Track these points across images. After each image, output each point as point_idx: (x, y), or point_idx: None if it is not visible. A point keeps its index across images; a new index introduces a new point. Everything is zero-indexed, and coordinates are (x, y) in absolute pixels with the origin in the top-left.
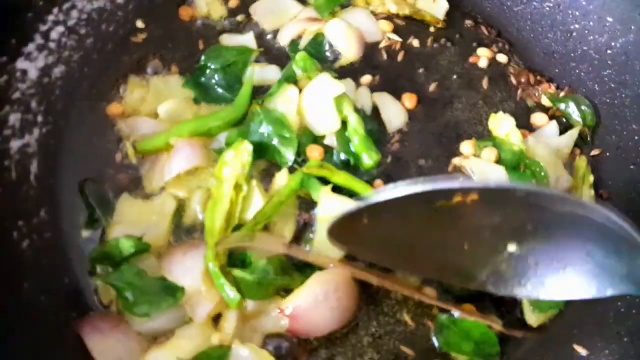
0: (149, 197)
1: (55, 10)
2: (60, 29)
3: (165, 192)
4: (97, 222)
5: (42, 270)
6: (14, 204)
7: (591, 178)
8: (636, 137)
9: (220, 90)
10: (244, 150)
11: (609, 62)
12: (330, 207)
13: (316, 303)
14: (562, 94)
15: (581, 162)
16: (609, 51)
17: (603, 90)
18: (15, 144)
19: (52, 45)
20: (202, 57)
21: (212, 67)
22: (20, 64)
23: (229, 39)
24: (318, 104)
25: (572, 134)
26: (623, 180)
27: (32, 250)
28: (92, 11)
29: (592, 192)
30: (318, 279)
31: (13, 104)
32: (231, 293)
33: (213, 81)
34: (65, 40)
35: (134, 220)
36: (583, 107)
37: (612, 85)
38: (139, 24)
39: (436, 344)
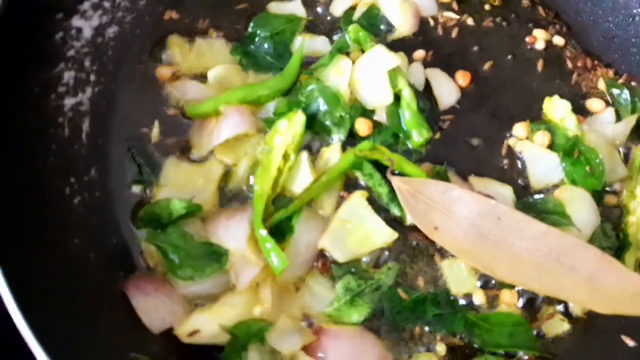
0: (196, 161)
1: None
2: None
3: (212, 157)
4: (145, 181)
5: (91, 228)
6: (67, 160)
7: None
8: None
9: (269, 58)
10: (297, 121)
11: None
12: (355, 213)
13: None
14: (620, 80)
15: (638, 151)
16: None
17: None
18: (69, 102)
19: (106, 4)
20: (251, 25)
21: (261, 34)
22: (76, 21)
23: (276, 7)
24: (371, 77)
25: (629, 122)
26: None
27: (83, 207)
28: None
29: None
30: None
31: (67, 62)
32: (276, 259)
33: (262, 49)
34: (120, 0)
35: (180, 183)
36: (636, 99)
37: None
38: None
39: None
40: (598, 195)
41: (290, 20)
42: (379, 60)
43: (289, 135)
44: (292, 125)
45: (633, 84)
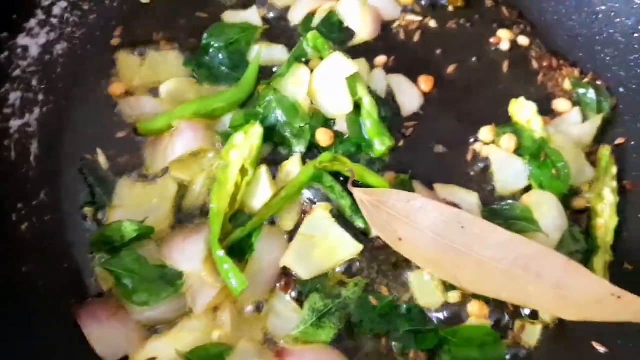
0: (150, 180)
1: None
2: (63, 4)
3: (167, 174)
4: (97, 203)
5: (41, 254)
6: (14, 185)
7: (614, 169)
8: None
9: (224, 69)
10: (254, 134)
11: (635, 46)
12: (319, 227)
13: None
14: (585, 79)
15: (605, 151)
16: (636, 35)
17: (629, 76)
18: (15, 123)
19: (54, 21)
20: (204, 35)
21: (215, 45)
22: (22, 40)
23: (231, 16)
24: (330, 85)
25: (595, 122)
26: None
27: (32, 233)
28: None
29: (615, 183)
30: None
31: (14, 82)
32: (234, 280)
33: (217, 60)
34: (68, 16)
35: (134, 203)
36: (602, 98)
37: (639, 71)
38: None
39: None
40: (566, 199)
41: (246, 29)
42: (337, 67)
43: (245, 148)
44: (249, 138)
45: (598, 82)
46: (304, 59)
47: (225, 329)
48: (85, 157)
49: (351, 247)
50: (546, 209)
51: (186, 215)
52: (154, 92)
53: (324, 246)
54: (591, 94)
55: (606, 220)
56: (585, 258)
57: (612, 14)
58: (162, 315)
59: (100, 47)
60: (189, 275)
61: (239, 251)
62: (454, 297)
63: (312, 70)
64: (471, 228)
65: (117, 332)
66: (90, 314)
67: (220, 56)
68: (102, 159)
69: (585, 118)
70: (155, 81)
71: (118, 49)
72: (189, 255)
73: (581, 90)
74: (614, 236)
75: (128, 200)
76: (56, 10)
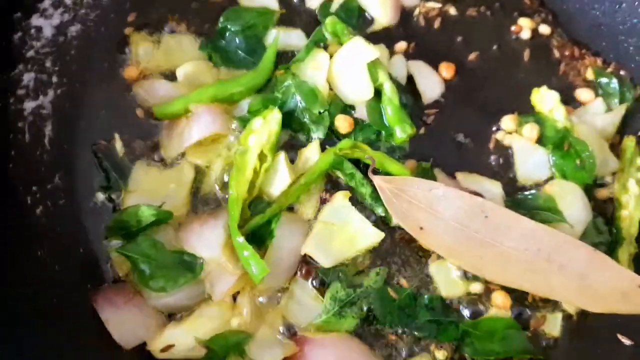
0: (166, 164)
1: None
2: None
3: (183, 159)
4: (112, 188)
5: (56, 239)
6: (28, 168)
7: (639, 160)
8: None
9: (241, 53)
10: (272, 119)
11: None
12: (339, 215)
13: None
14: (608, 69)
15: (629, 142)
16: None
17: None
18: (29, 105)
19: (68, 2)
20: (221, 19)
21: (232, 29)
22: (35, 20)
23: (249, 0)
24: (350, 71)
25: (619, 112)
26: None
27: (47, 217)
28: None
29: None
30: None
31: (27, 63)
32: (255, 267)
33: (234, 44)
34: None
35: (150, 189)
36: (625, 88)
37: None
38: None
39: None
40: (589, 190)
41: (263, 13)
42: (358, 52)
43: (264, 134)
44: (268, 124)
45: (622, 72)
46: (322, 44)
47: (245, 316)
48: (100, 142)
49: (372, 236)
50: (570, 200)
51: (204, 201)
52: (169, 76)
53: (345, 234)
54: (614, 83)
55: (631, 211)
56: (609, 250)
57: (636, 3)
58: (180, 302)
59: (115, 29)
60: (207, 261)
61: (259, 238)
62: (476, 288)
63: (331, 56)
64: (495, 217)
65: (134, 318)
66: (107, 300)
67: (237, 40)
68: (118, 144)
69: (608, 108)
70: (170, 65)
71: (132, 32)
72: (207, 241)
73: (604, 80)
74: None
75: (144, 185)
76: None
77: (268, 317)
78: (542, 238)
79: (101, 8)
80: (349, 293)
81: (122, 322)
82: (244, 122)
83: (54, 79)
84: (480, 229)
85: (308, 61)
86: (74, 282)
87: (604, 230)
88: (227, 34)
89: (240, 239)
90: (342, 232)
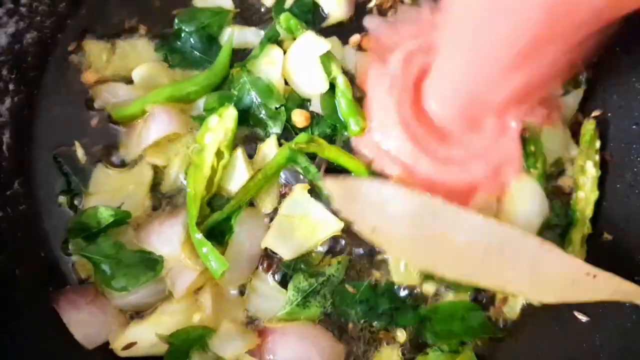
0: (125, 166)
1: None
2: None
3: (142, 160)
4: (73, 191)
5: (17, 243)
6: None
7: (598, 143)
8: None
9: (197, 53)
10: (228, 116)
11: None
12: (299, 207)
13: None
14: None
15: (589, 125)
16: None
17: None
18: None
19: (23, 10)
20: (175, 21)
21: (187, 30)
22: None
23: (203, 1)
24: (304, 65)
25: (577, 94)
26: (624, 141)
27: (7, 222)
28: None
29: (597, 157)
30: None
31: None
32: (214, 262)
33: (189, 45)
34: (37, 4)
35: (110, 190)
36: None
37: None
38: None
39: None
40: (549, 177)
41: (217, 13)
42: (310, 46)
43: (220, 131)
44: (224, 121)
45: None
46: (276, 40)
47: (206, 311)
48: (61, 147)
49: (333, 225)
50: (528, 195)
51: (163, 200)
52: (127, 80)
53: (305, 225)
54: None
55: (587, 193)
56: (565, 231)
57: None
58: (142, 300)
59: (71, 35)
60: (167, 259)
61: (219, 234)
62: (428, 289)
63: (285, 51)
64: (444, 214)
65: (96, 319)
66: (69, 301)
67: (192, 41)
68: (79, 151)
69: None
70: (127, 68)
71: (88, 37)
72: (166, 239)
73: None
74: (594, 209)
75: (104, 187)
76: None
77: (230, 311)
78: (492, 232)
79: (57, 15)
80: (312, 283)
81: (84, 323)
82: (201, 120)
83: (11, 86)
84: (430, 227)
85: (262, 57)
86: (36, 286)
87: (560, 213)
88: (182, 35)
89: (199, 236)
90: (302, 224)
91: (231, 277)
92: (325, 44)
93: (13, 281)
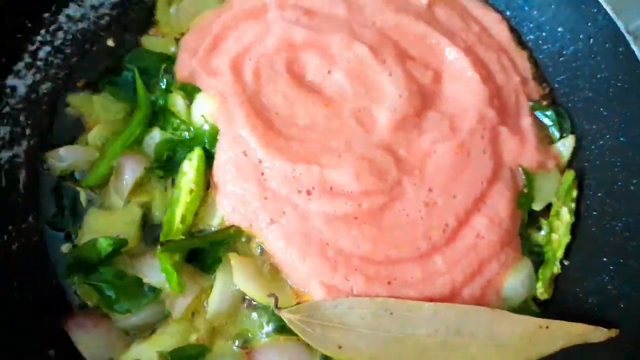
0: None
1: (43, 31)
2: (47, 48)
3: (130, 202)
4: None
5: (30, 272)
6: (4, 210)
7: (575, 192)
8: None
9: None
10: (195, 158)
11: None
12: None
13: None
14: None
15: (569, 175)
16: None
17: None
18: (5, 155)
19: (39, 63)
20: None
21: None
22: (10, 81)
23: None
24: None
25: (570, 142)
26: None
27: (22, 252)
28: (76, 32)
29: (574, 205)
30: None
31: (3, 118)
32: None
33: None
34: (52, 59)
35: (102, 230)
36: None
37: (566, 90)
38: (110, 42)
39: None
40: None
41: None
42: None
43: (192, 172)
44: (193, 163)
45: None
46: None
47: (202, 331)
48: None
49: None
50: (518, 271)
51: (153, 231)
52: None
53: None
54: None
55: (560, 236)
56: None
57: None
58: (143, 321)
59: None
60: (160, 286)
61: (208, 266)
62: None
63: None
64: (399, 311)
65: (102, 339)
66: (77, 323)
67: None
68: (82, 196)
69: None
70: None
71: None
72: (156, 271)
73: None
74: (564, 252)
75: (96, 228)
76: (41, 54)
77: (224, 332)
78: (446, 316)
79: (69, 67)
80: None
81: (92, 342)
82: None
83: (27, 131)
84: (390, 327)
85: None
86: (47, 309)
87: (536, 251)
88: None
89: (166, 266)
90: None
91: (222, 307)
92: None
93: (26, 305)
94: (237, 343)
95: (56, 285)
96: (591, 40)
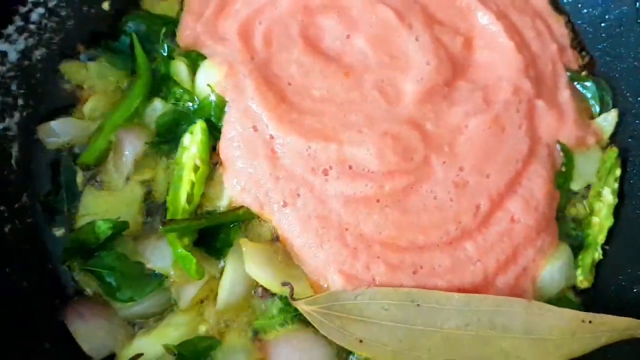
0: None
1: None
2: (41, 10)
3: (131, 181)
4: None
5: (24, 256)
6: None
7: (618, 171)
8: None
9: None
10: (197, 131)
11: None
12: None
13: None
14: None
15: (612, 152)
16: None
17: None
18: None
19: (32, 27)
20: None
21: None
22: (0, 45)
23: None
24: None
25: (612, 117)
26: None
27: (15, 235)
28: None
29: (617, 185)
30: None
31: None
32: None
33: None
34: (46, 22)
35: (101, 212)
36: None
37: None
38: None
39: None
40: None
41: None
42: None
43: (194, 147)
44: (195, 136)
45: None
46: None
47: (210, 323)
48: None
49: None
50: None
51: (156, 210)
52: None
53: None
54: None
55: (602, 219)
56: (575, 253)
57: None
58: (148, 310)
59: (78, 53)
60: (166, 272)
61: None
62: None
63: None
64: (426, 303)
65: (102, 330)
66: (75, 313)
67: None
68: (79, 177)
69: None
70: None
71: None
72: (160, 254)
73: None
74: (607, 237)
75: (94, 209)
76: (34, 16)
77: (235, 323)
78: (478, 307)
79: (64, 32)
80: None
81: (91, 333)
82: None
83: (20, 101)
84: (416, 320)
85: None
86: (43, 298)
87: (572, 235)
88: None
89: (179, 250)
90: None
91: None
92: None
93: (20, 293)
94: (249, 335)
95: (52, 272)
96: (637, 3)
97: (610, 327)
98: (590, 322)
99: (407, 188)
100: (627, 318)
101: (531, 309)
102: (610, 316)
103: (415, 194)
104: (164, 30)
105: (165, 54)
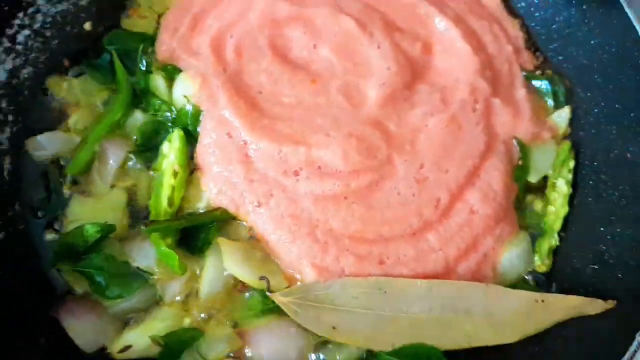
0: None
1: (21, 14)
2: (27, 32)
3: (115, 187)
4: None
5: (17, 260)
6: None
7: (572, 163)
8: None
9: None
10: (175, 139)
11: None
12: None
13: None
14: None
15: (565, 146)
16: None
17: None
18: None
19: (19, 47)
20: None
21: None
22: None
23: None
24: None
25: (565, 113)
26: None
27: (9, 240)
28: (56, 14)
29: (571, 176)
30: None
31: None
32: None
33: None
34: (32, 42)
35: (88, 217)
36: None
37: (560, 58)
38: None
39: None
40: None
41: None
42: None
43: (172, 154)
44: (173, 144)
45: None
46: None
47: (194, 316)
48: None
49: None
50: (515, 245)
51: (140, 214)
52: None
53: None
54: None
55: (557, 208)
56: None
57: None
58: (135, 305)
59: (63, 70)
60: (151, 270)
61: (198, 249)
62: None
63: None
64: (392, 290)
65: (93, 325)
66: (68, 310)
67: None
68: (66, 186)
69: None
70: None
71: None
72: (144, 254)
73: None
74: (562, 224)
75: (81, 216)
76: (20, 37)
77: (217, 315)
78: (440, 292)
79: (49, 51)
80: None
81: (83, 329)
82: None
83: (10, 117)
84: (384, 306)
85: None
86: (36, 298)
87: (533, 223)
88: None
89: (162, 248)
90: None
91: (214, 289)
92: None
93: (15, 294)
94: (230, 326)
95: (44, 274)
96: (584, 5)
97: (562, 305)
98: (543, 301)
99: (371, 185)
100: (576, 296)
101: (490, 292)
102: (561, 295)
103: (380, 191)
104: (141, 46)
105: (144, 69)
